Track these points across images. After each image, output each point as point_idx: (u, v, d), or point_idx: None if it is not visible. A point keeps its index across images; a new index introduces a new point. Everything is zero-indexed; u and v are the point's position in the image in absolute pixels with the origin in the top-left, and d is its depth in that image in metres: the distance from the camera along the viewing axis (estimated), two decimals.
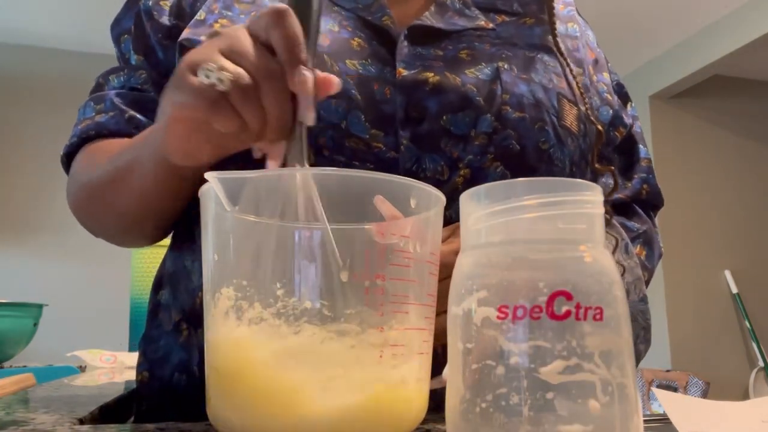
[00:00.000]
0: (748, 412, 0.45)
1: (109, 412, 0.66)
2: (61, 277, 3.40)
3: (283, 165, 0.44)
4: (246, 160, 0.49)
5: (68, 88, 3.49)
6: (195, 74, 0.43)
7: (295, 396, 0.36)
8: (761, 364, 3.65)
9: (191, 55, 0.45)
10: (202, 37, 0.60)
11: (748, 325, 3.70)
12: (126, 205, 0.62)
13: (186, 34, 0.62)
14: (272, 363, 0.37)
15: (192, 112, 0.45)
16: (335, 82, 0.45)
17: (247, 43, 0.43)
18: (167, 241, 0.70)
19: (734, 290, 3.76)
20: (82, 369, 1.56)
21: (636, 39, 3.62)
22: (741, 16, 3.30)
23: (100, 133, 0.67)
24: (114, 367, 1.49)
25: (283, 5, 0.44)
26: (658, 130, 3.85)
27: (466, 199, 0.35)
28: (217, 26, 0.62)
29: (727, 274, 3.80)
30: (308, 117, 0.44)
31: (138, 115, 0.66)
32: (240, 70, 0.42)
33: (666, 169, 3.68)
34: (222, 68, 0.42)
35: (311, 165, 0.44)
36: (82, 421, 0.54)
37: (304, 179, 0.39)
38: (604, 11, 3.25)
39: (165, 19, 0.66)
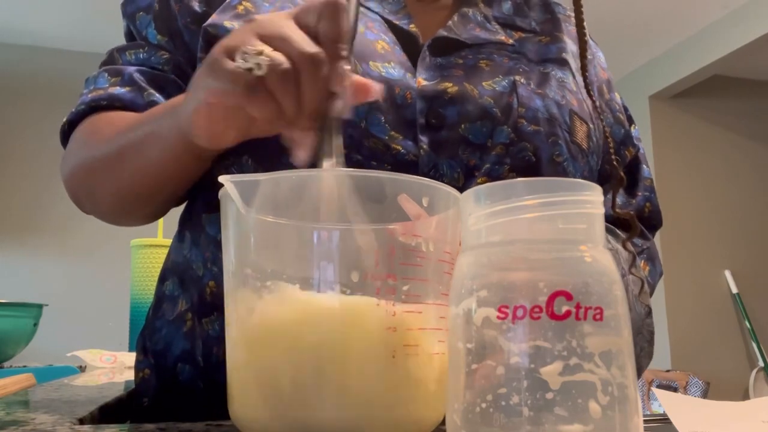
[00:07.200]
0: (748, 412, 0.45)
1: (109, 412, 0.65)
2: (61, 277, 3.40)
3: (313, 159, 0.44)
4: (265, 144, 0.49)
5: (69, 88, 3.48)
6: (231, 59, 0.42)
7: (312, 396, 0.36)
8: (761, 364, 3.65)
9: (227, 40, 0.45)
10: (226, 23, 0.60)
11: (748, 325, 3.70)
12: (134, 181, 0.61)
13: (212, 19, 0.61)
14: (290, 362, 0.37)
15: (227, 97, 0.44)
16: (374, 90, 0.45)
17: (289, 29, 0.43)
18: (168, 240, 0.70)
19: (734, 290, 3.76)
20: (82, 369, 1.56)
21: (636, 39, 3.62)
22: (741, 16, 3.30)
23: (112, 104, 0.65)
24: (114, 367, 1.49)
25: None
26: (657, 130, 3.84)
27: (466, 199, 0.35)
28: (240, 9, 0.61)
29: (727, 274, 3.80)
30: (343, 110, 0.44)
31: (157, 95, 0.65)
32: (278, 55, 0.41)
33: (666, 170, 3.68)
34: (260, 53, 0.41)
35: (343, 159, 0.44)
36: (82, 421, 0.53)
37: (332, 181, 0.39)
38: (604, 11, 3.24)
39: (195, 4, 0.65)
